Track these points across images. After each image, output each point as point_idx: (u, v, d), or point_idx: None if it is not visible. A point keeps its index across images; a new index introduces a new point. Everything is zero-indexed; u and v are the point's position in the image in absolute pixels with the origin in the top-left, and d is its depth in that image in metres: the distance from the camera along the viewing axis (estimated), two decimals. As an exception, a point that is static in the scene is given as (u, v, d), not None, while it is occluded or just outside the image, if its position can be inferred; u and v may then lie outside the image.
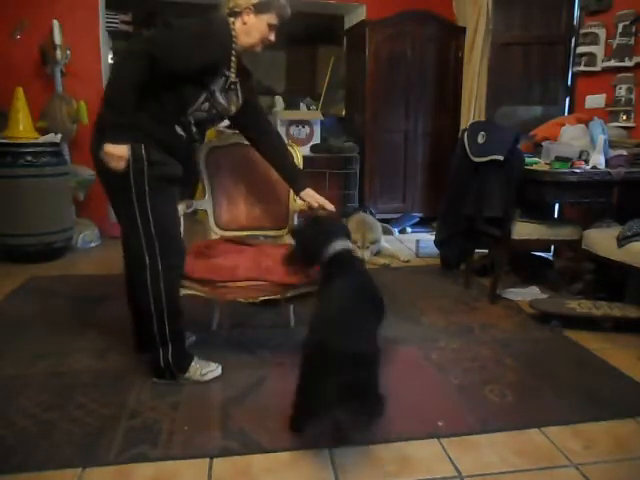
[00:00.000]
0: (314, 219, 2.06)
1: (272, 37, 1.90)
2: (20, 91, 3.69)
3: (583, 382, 2.06)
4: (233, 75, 1.89)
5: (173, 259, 1.90)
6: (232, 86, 1.92)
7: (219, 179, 2.37)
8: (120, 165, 1.73)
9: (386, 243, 4.07)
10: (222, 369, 2.05)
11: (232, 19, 1.85)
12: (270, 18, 1.86)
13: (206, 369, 2.01)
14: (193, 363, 2.00)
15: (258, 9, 1.83)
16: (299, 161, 2.36)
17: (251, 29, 1.85)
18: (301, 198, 2.18)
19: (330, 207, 2.14)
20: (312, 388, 1.50)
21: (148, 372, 2.02)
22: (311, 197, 2.16)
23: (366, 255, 3.82)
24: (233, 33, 1.84)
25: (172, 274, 1.90)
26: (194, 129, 1.92)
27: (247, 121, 2.13)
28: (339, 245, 1.85)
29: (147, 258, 1.83)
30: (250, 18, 1.84)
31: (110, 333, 2.42)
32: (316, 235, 1.89)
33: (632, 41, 3.25)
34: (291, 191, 2.33)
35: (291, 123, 4.71)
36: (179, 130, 1.88)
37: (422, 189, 4.92)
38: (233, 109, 1.97)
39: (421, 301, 2.94)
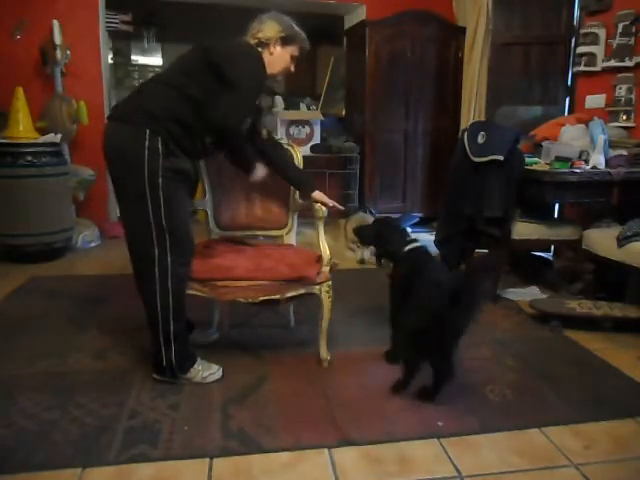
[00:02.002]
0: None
1: (292, 68, 2.05)
2: (20, 91, 3.69)
3: (583, 382, 2.06)
4: (261, 101, 2.06)
5: (183, 256, 1.90)
6: (262, 112, 2.09)
7: (219, 179, 2.37)
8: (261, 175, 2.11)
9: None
10: (223, 370, 2.05)
11: (260, 49, 1.95)
12: (293, 50, 2.01)
13: (207, 372, 2.01)
14: (195, 365, 2.00)
15: (284, 41, 1.97)
16: (299, 161, 2.37)
17: (276, 60, 1.98)
18: (313, 199, 2.21)
19: (340, 207, 2.24)
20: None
21: (148, 372, 2.01)
22: (323, 198, 2.21)
23: (366, 255, 3.82)
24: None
25: (181, 271, 1.89)
26: (212, 146, 1.99)
27: (258, 139, 2.18)
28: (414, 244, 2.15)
29: (156, 251, 1.83)
30: (276, 49, 1.98)
31: (110, 333, 2.42)
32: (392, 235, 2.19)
33: (632, 41, 3.25)
34: (291, 191, 2.35)
35: (291, 123, 4.71)
36: (198, 144, 1.93)
37: (422, 189, 4.92)
38: (264, 133, 2.14)
39: (421, 301, 2.94)
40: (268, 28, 1.95)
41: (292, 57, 2.02)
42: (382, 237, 2.22)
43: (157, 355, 1.95)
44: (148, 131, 1.78)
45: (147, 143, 1.78)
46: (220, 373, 2.03)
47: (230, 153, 2.05)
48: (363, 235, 2.36)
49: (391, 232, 2.22)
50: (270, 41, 1.95)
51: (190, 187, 2.01)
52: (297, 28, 2.01)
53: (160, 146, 1.79)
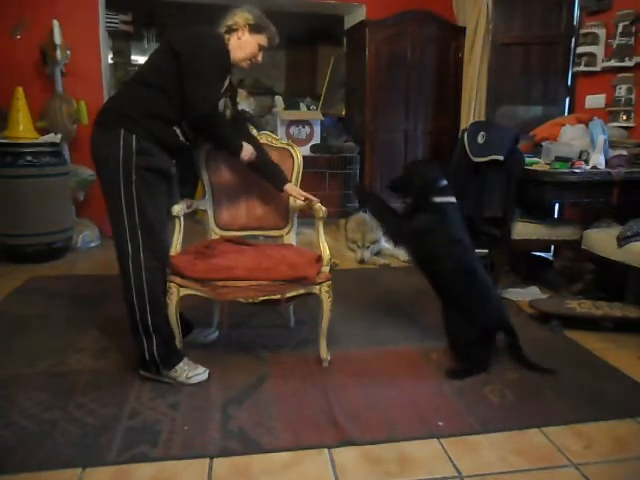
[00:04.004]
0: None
1: (259, 57, 2.12)
2: (20, 91, 3.69)
3: (583, 382, 2.06)
4: (226, 85, 2.09)
5: (155, 251, 1.93)
6: (227, 93, 2.13)
7: (219, 179, 2.37)
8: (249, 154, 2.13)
9: (386, 243, 4.06)
10: (221, 369, 2.05)
11: (228, 36, 2.04)
12: (261, 39, 2.08)
13: (193, 372, 2.00)
14: (181, 364, 2.00)
15: (253, 29, 2.06)
16: (299, 161, 2.37)
17: (243, 45, 2.06)
18: (285, 192, 2.27)
19: (313, 199, 2.24)
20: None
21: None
22: (295, 191, 2.27)
23: (366, 255, 3.82)
24: (228, 48, 2.04)
25: (155, 265, 1.93)
26: (190, 133, 2.06)
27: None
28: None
29: (130, 247, 1.88)
30: (245, 35, 2.06)
31: (110, 333, 2.42)
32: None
33: (632, 41, 3.25)
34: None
35: (291, 123, 4.71)
36: (178, 132, 2.00)
37: (422, 189, 4.91)
38: (227, 114, 2.17)
39: (421, 301, 2.94)
40: (238, 16, 2.05)
41: (260, 47, 2.08)
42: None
43: (139, 348, 1.96)
44: (123, 131, 1.86)
45: (122, 143, 1.85)
46: (206, 375, 2.02)
47: (212, 140, 2.15)
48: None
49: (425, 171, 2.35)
50: (238, 26, 2.04)
51: (169, 188, 2.05)
52: (267, 21, 2.09)
53: (134, 144, 1.86)
